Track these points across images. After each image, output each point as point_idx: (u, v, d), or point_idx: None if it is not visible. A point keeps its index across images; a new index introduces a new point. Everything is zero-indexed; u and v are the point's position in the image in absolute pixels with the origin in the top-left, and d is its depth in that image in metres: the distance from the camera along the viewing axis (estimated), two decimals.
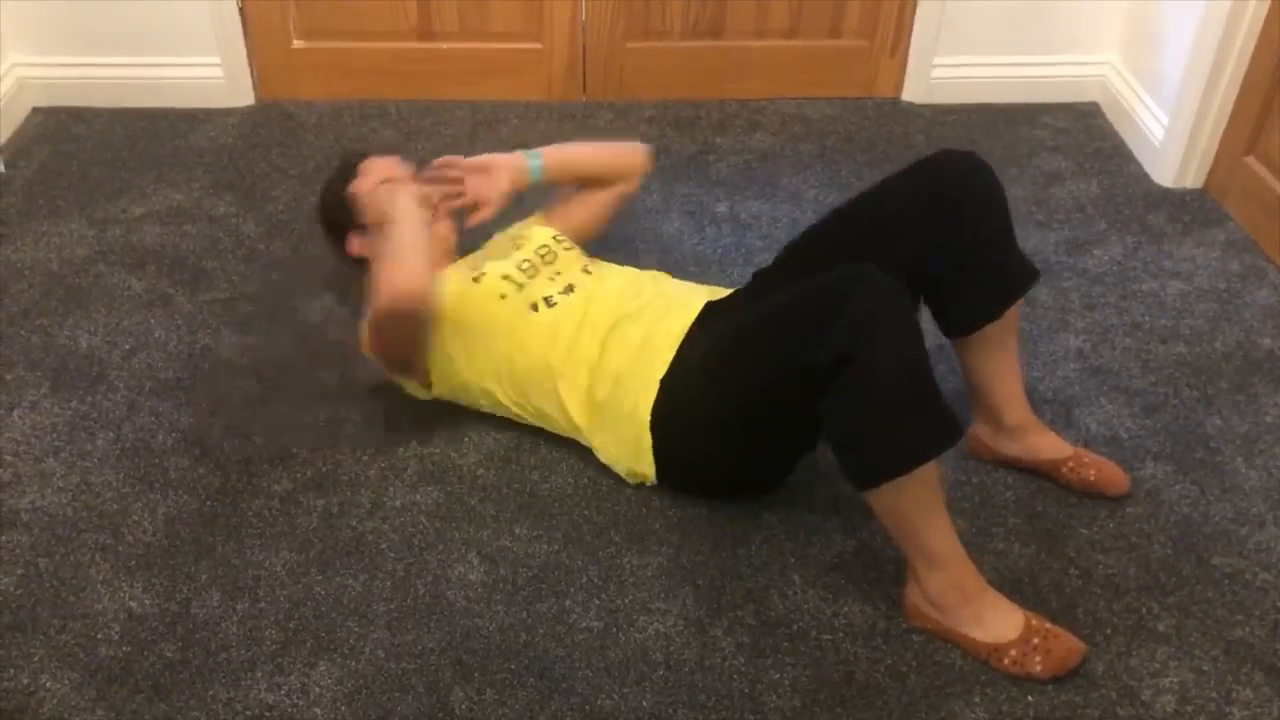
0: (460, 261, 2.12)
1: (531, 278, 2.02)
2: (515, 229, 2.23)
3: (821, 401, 1.62)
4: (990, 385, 1.94)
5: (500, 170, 2.06)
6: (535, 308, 1.97)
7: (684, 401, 1.83)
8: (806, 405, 1.65)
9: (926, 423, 1.59)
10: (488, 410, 2.07)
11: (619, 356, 1.90)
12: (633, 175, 2.27)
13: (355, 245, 2.14)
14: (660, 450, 1.87)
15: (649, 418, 1.85)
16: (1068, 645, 1.66)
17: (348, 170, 2.16)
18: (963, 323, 1.89)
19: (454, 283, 2.01)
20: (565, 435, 2.02)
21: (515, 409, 2.02)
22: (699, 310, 1.95)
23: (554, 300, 1.98)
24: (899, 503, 1.64)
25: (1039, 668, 1.65)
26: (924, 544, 1.67)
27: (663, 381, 1.85)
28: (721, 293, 2.04)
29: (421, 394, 2.09)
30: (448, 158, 2.09)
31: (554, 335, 1.94)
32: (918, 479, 1.60)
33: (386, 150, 2.27)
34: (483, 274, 2.01)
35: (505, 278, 2.00)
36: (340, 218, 2.15)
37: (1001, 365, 1.92)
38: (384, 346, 1.95)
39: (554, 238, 2.14)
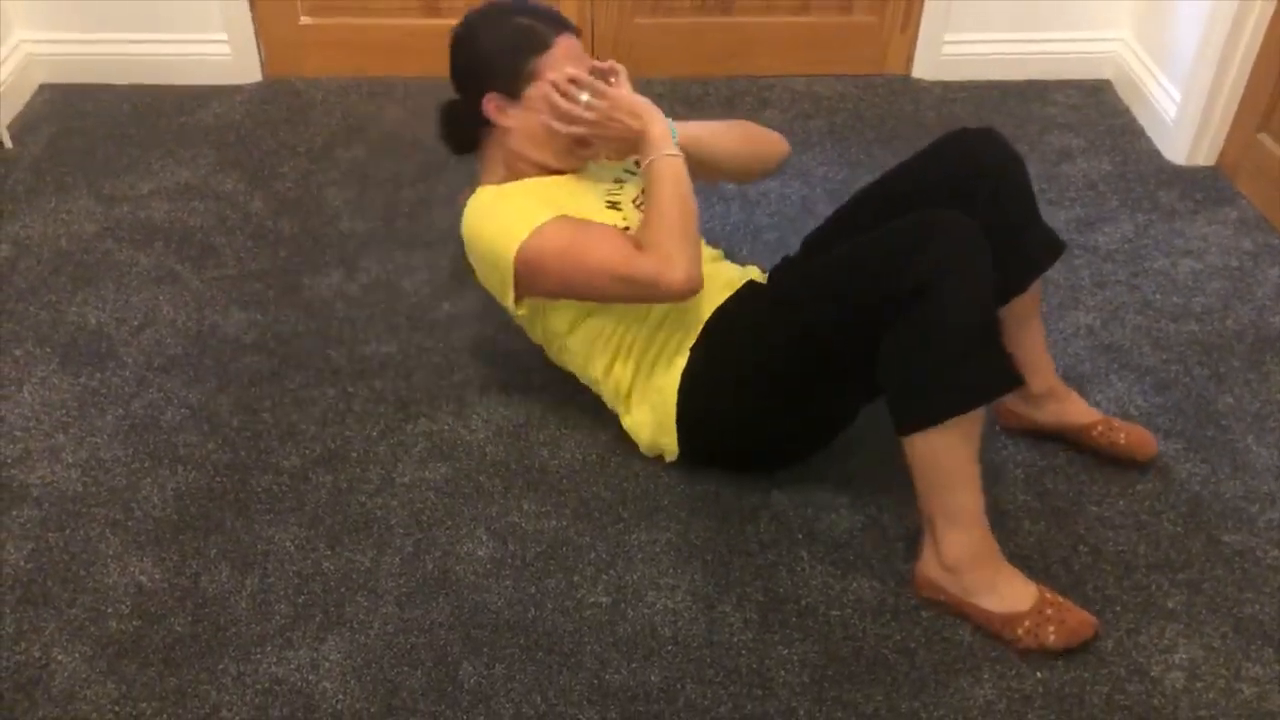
0: (587, 180, 1.97)
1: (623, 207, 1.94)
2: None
3: (886, 338, 1.63)
4: (1017, 355, 1.92)
5: (654, 121, 1.81)
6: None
7: (719, 366, 1.82)
8: (863, 355, 1.66)
9: (989, 365, 1.62)
10: (555, 360, 2.05)
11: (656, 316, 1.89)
12: (769, 167, 2.08)
13: (494, 108, 1.87)
14: (688, 419, 1.86)
15: (680, 383, 1.85)
16: (1080, 618, 1.67)
17: (537, 40, 1.84)
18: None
19: (584, 196, 1.91)
20: (602, 393, 1.99)
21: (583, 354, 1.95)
22: (740, 285, 1.94)
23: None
24: (938, 451, 1.64)
25: (1053, 638, 1.65)
26: (952, 500, 1.67)
27: (692, 350, 1.85)
28: (755, 273, 2.03)
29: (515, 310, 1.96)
30: (600, 86, 1.83)
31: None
32: (962, 429, 1.61)
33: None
34: (626, 227, 1.87)
35: (611, 205, 1.92)
36: (495, 76, 1.85)
37: (1028, 335, 1.92)
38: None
39: (625, 169, 2.04)
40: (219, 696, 1.62)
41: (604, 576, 1.79)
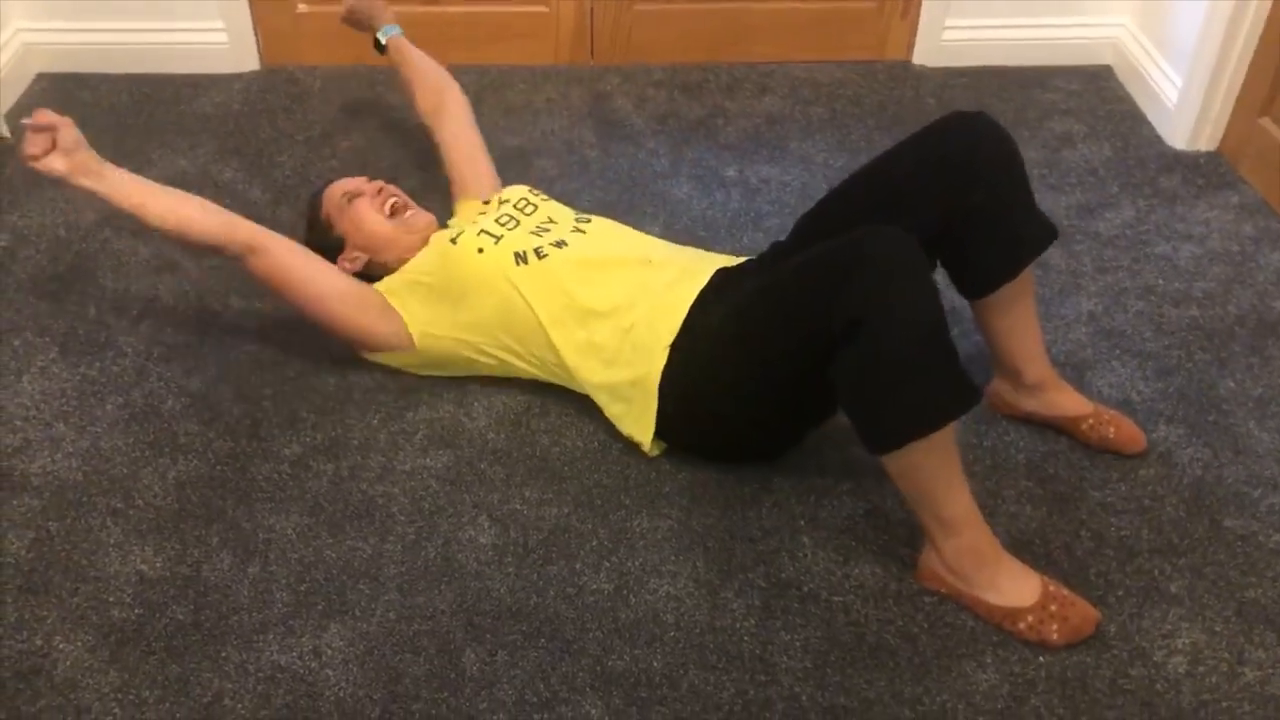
0: (438, 233, 2.15)
1: (511, 229, 2.03)
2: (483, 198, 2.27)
3: (834, 364, 1.61)
4: (1010, 344, 1.93)
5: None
6: (522, 258, 1.97)
7: (695, 368, 1.82)
8: (822, 372, 1.64)
9: (942, 385, 1.58)
10: (485, 373, 2.07)
11: (628, 317, 1.89)
12: (435, 100, 2.49)
13: (346, 265, 2.17)
14: (665, 414, 1.87)
15: (659, 383, 1.84)
16: (1083, 613, 1.66)
17: (314, 205, 2.23)
18: (980, 284, 1.87)
19: (431, 251, 2.09)
20: (565, 384, 2.01)
21: (515, 360, 2.01)
22: (710, 275, 1.94)
23: (544, 252, 1.98)
24: (915, 468, 1.63)
25: (1055, 635, 1.65)
26: (940, 511, 1.66)
27: (672, 348, 1.84)
28: (732, 261, 2.02)
29: (407, 364, 2.10)
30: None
31: (547, 288, 1.94)
32: (934, 444, 1.58)
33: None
34: (460, 233, 2.03)
35: (483, 232, 2.02)
36: (327, 247, 2.17)
37: (1020, 323, 1.91)
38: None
39: (530, 191, 2.18)
40: (221, 684, 1.62)
41: (606, 563, 1.79)
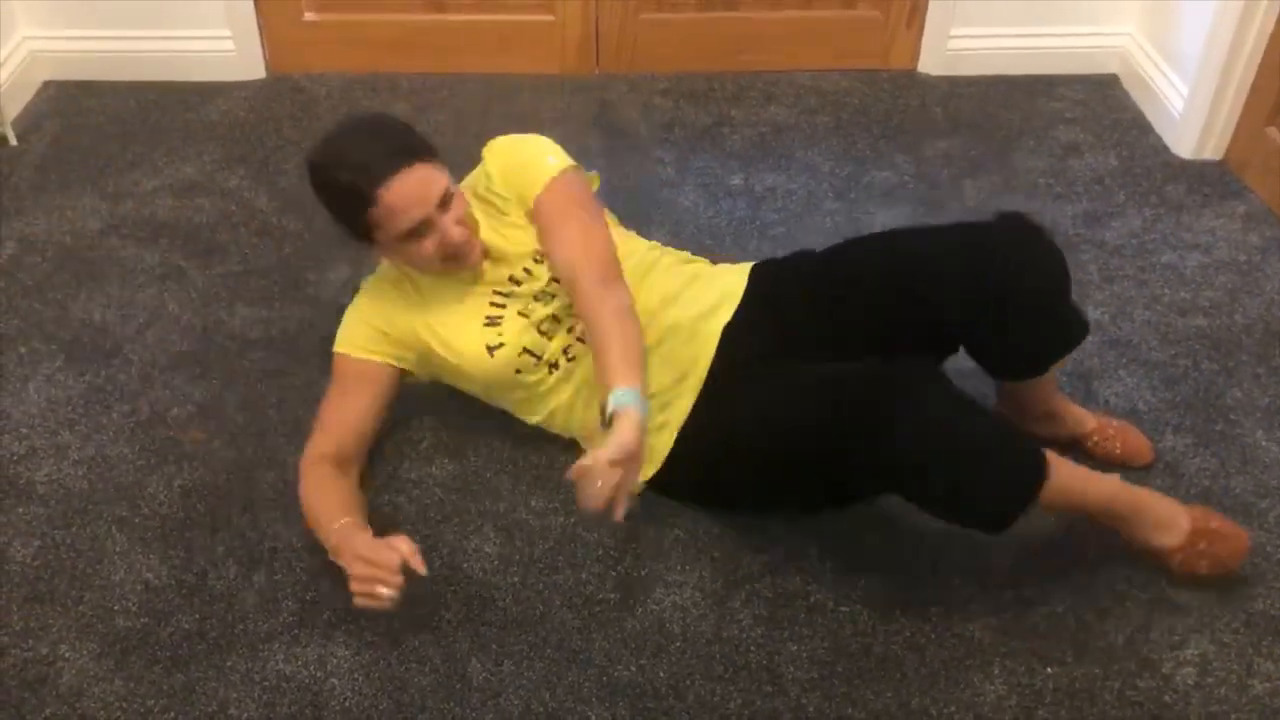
0: (474, 293, 1.86)
1: (551, 338, 1.84)
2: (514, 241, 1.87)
3: (912, 501, 1.64)
4: (1022, 397, 1.94)
5: (634, 459, 1.60)
6: (555, 366, 1.85)
7: (709, 448, 1.79)
8: (843, 485, 1.70)
9: (1019, 471, 1.60)
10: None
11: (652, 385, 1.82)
12: None
13: (376, 254, 1.88)
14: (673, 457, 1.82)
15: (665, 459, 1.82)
16: (1232, 547, 1.73)
17: (360, 199, 1.70)
18: (1001, 374, 1.89)
19: (469, 348, 1.83)
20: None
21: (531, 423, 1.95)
22: (716, 338, 1.82)
23: (572, 352, 1.84)
24: (1051, 507, 1.67)
25: (1205, 569, 1.73)
26: (1089, 505, 1.72)
27: (679, 438, 1.80)
28: (733, 300, 1.87)
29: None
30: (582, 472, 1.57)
31: (569, 387, 1.86)
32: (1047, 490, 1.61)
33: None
34: (501, 344, 1.82)
35: (525, 351, 1.82)
36: (345, 229, 1.79)
37: (1039, 390, 1.91)
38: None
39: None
40: (227, 694, 1.62)
41: (612, 573, 1.78)
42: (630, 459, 1.56)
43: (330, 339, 1.90)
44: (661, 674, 1.65)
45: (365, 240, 1.78)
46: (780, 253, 2.04)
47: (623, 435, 1.56)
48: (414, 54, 3.10)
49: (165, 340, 2.24)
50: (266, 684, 1.63)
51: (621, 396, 1.61)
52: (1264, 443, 2.00)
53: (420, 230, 1.72)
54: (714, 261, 1.99)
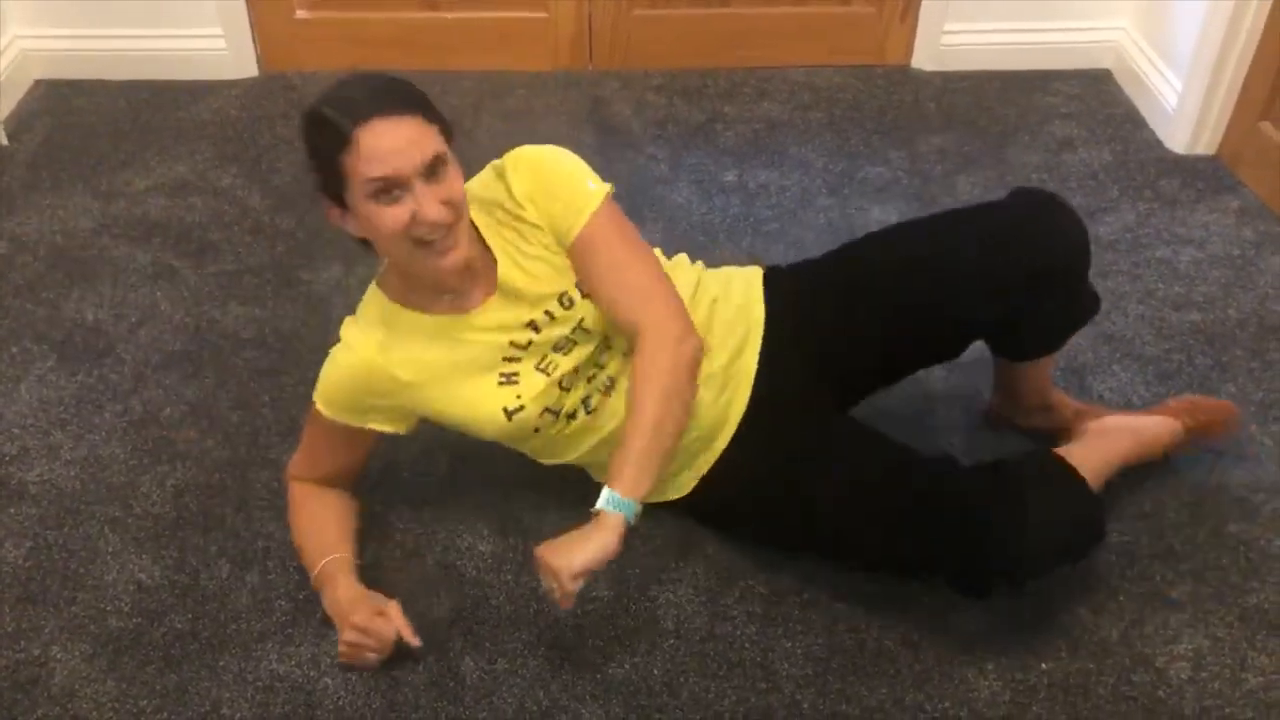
0: (482, 341, 1.63)
1: (570, 389, 1.67)
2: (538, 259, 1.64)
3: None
4: (1021, 385, 1.92)
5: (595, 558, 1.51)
6: (573, 416, 1.69)
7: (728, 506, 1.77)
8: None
9: (1083, 551, 1.69)
10: None
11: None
12: None
13: (336, 216, 1.55)
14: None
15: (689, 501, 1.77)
16: (1224, 416, 1.93)
17: (336, 137, 1.46)
18: (1017, 354, 1.85)
19: (482, 411, 1.64)
20: None
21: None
22: (749, 385, 1.72)
23: (592, 404, 1.69)
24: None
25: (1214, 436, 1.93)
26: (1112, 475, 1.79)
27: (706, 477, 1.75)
28: (757, 333, 1.75)
29: None
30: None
31: (589, 437, 1.72)
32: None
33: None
34: (520, 407, 1.63)
35: (546, 411, 1.66)
36: (321, 180, 1.53)
37: (1038, 373, 1.90)
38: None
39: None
40: (220, 693, 1.62)
41: (606, 570, 1.78)
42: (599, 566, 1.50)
43: (325, 338, 1.88)
44: (656, 671, 1.64)
45: (338, 203, 1.52)
46: (774, 249, 2.04)
47: (601, 552, 1.49)
48: (407, 51, 3.09)
49: (158, 339, 2.23)
50: (260, 683, 1.63)
51: (617, 503, 1.50)
52: (1259, 437, 2.00)
53: (392, 191, 1.46)
54: (708, 264, 1.92)
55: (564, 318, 1.63)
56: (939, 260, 1.69)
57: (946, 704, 1.60)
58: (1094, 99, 3.01)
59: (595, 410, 1.69)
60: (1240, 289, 2.35)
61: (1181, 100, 2.75)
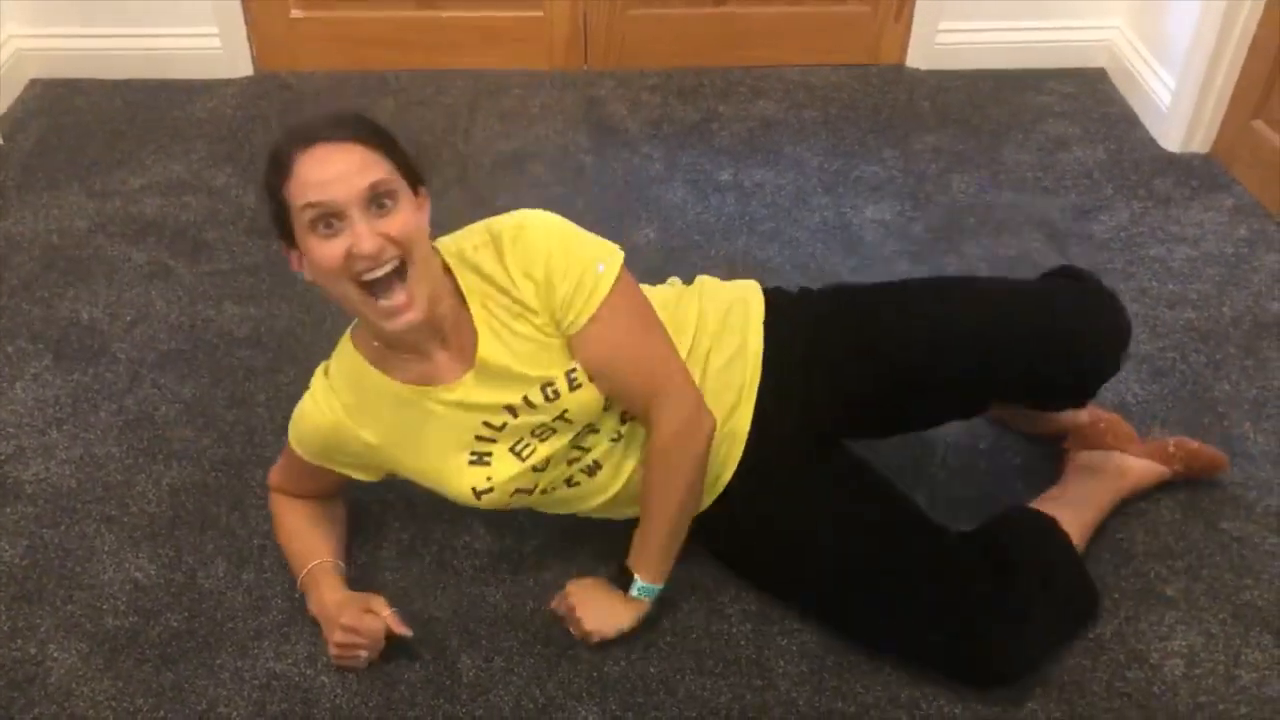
0: (452, 419, 1.54)
1: (544, 470, 1.59)
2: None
3: None
4: (1028, 416, 1.95)
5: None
6: (549, 492, 1.64)
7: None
8: None
9: (1087, 605, 1.71)
10: None
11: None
12: None
13: (295, 260, 1.47)
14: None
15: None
16: (1207, 459, 1.89)
17: (279, 166, 1.40)
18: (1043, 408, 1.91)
19: (450, 487, 1.58)
20: None
21: None
22: (742, 445, 1.66)
23: (575, 481, 1.64)
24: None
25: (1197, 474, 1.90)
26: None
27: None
28: (751, 392, 1.66)
29: None
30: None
31: (576, 505, 1.70)
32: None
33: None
34: (490, 489, 1.56)
35: (518, 491, 1.59)
36: (277, 221, 1.45)
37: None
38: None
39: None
40: (216, 692, 1.62)
41: (602, 568, 1.78)
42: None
43: (320, 336, 1.89)
44: (652, 669, 1.65)
45: (286, 239, 1.44)
46: (769, 248, 2.02)
47: (629, 625, 1.65)
48: (402, 50, 3.09)
49: (153, 339, 2.23)
50: (256, 682, 1.63)
51: (645, 590, 1.64)
52: (1252, 435, 2.01)
53: (328, 221, 1.36)
54: (704, 264, 1.88)
55: (545, 408, 1.52)
56: (987, 359, 1.60)
57: (941, 701, 1.60)
58: (1088, 98, 3.02)
59: (578, 485, 1.64)
60: (1234, 287, 2.35)
61: (1175, 99, 2.76)
